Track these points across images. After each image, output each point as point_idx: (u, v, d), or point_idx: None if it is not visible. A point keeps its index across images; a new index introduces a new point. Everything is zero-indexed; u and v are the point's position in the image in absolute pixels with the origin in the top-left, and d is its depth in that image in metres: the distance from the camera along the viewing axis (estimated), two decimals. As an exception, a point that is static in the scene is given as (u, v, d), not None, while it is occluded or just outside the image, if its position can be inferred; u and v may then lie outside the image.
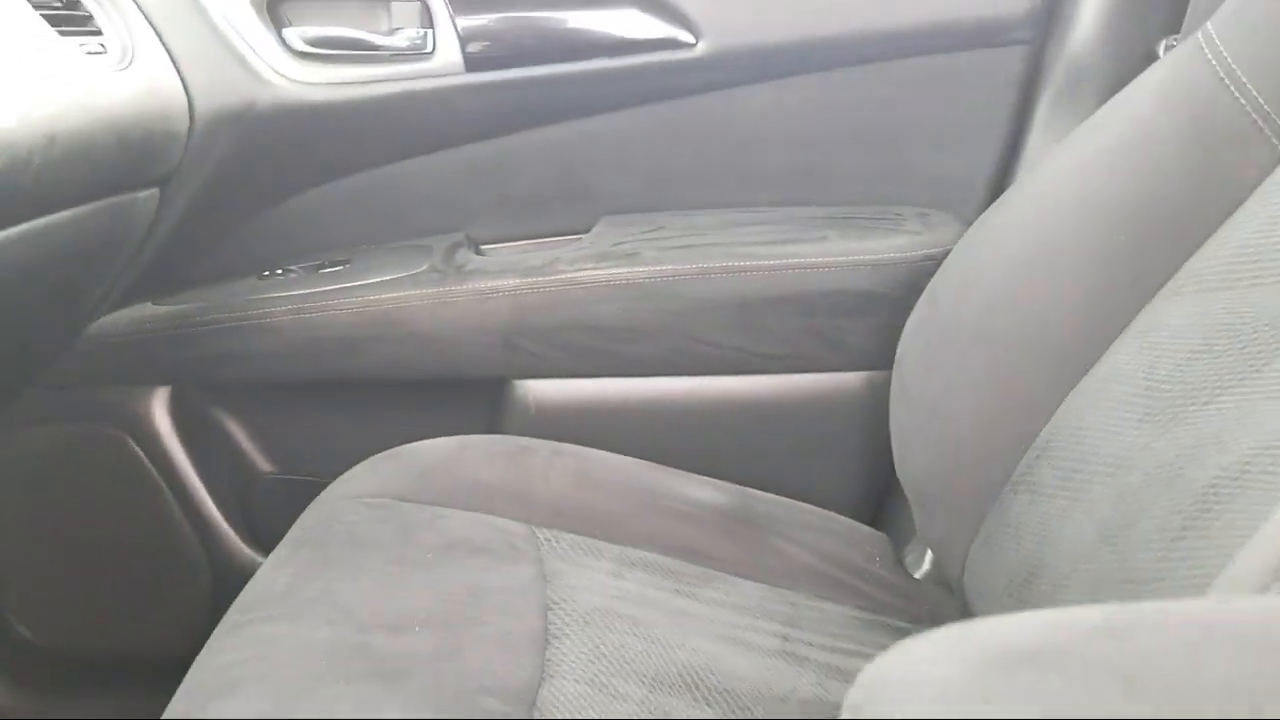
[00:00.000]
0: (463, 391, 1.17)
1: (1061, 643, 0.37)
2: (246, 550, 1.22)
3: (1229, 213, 0.82)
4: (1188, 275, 0.82)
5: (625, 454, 1.05)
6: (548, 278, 1.12)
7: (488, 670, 0.73)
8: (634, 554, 0.93)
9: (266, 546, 0.92)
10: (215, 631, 0.78)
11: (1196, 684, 0.34)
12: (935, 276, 1.02)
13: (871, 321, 1.10)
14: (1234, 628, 0.38)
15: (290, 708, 0.67)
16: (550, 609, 0.83)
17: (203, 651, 0.76)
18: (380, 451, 1.01)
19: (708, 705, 0.76)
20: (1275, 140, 0.82)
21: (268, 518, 1.22)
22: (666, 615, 0.86)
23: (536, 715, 0.70)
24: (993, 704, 0.34)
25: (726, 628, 0.86)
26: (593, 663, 0.77)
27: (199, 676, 0.72)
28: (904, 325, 1.03)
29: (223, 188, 1.11)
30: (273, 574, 0.84)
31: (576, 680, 0.75)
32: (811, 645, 0.88)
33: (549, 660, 0.76)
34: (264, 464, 1.24)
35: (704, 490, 1.04)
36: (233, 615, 0.80)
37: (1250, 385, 0.72)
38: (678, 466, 1.05)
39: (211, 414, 1.21)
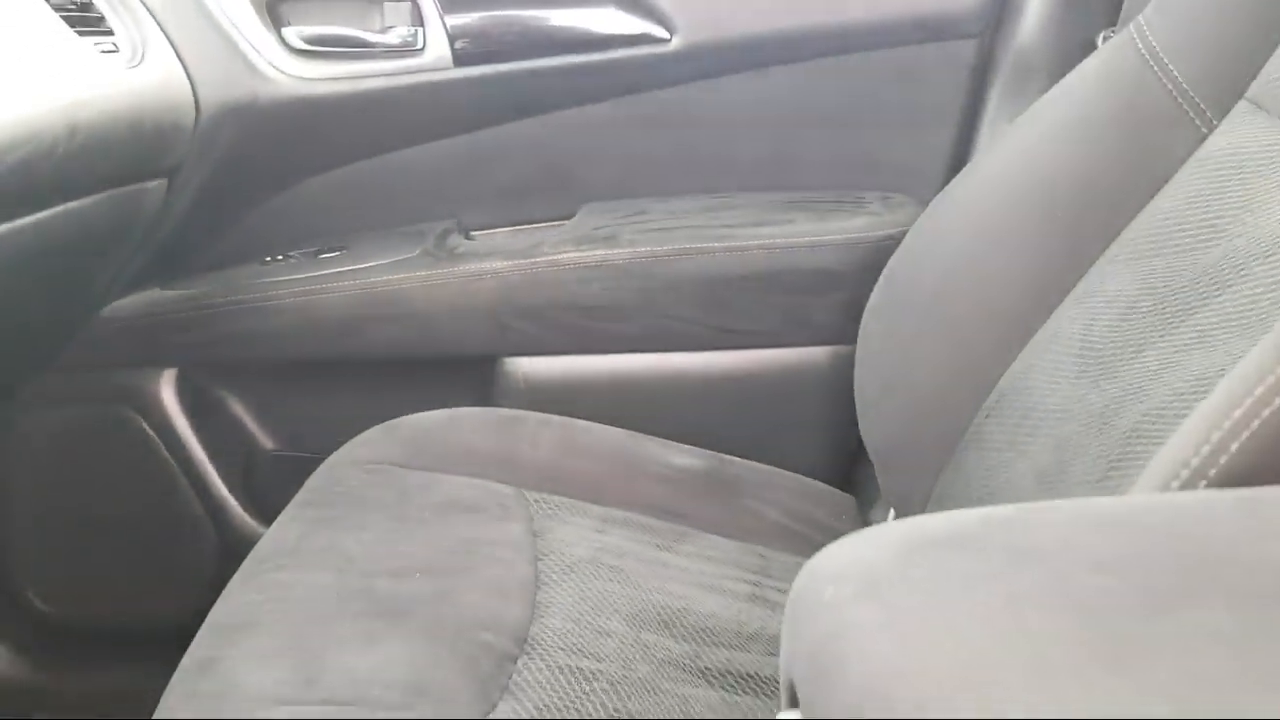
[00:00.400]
0: (455, 369, 1.23)
1: (967, 530, 0.44)
2: (251, 522, 1.27)
3: (1159, 187, 0.88)
4: (1122, 244, 0.89)
5: (608, 425, 1.12)
6: (533, 260, 1.18)
7: (483, 610, 0.79)
8: (616, 514, 0.99)
9: (270, 519, 0.97)
10: (232, 581, 0.84)
11: (1072, 556, 0.40)
12: (895, 254, 1.09)
13: (836, 298, 1.16)
14: (1112, 515, 0.45)
15: (304, 641, 0.73)
16: (539, 559, 0.89)
17: (220, 598, 0.82)
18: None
19: (683, 640, 0.82)
20: (1197, 121, 0.89)
21: (271, 492, 1.27)
22: (646, 565, 0.92)
23: (529, 648, 0.77)
24: (908, 576, 0.41)
25: (701, 576, 0.92)
26: (579, 604, 0.83)
27: (220, 618, 0.78)
28: (866, 301, 1.10)
29: (226, 178, 1.17)
30: (283, 530, 0.90)
31: (564, 619, 0.81)
32: (781, 592, 0.94)
33: (539, 602, 0.83)
34: (267, 441, 1.29)
35: (681, 456, 1.11)
36: (248, 566, 0.86)
37: (1169, 340, 0.78)
38: (656, 436, 1.12)
39: (217, 394, 1.27)
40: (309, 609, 0.77)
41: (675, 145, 1.26)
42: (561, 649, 0.77)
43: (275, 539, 0.89)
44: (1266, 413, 0.51)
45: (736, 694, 0.77)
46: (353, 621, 0.75)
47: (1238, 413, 0.52)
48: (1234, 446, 0.52)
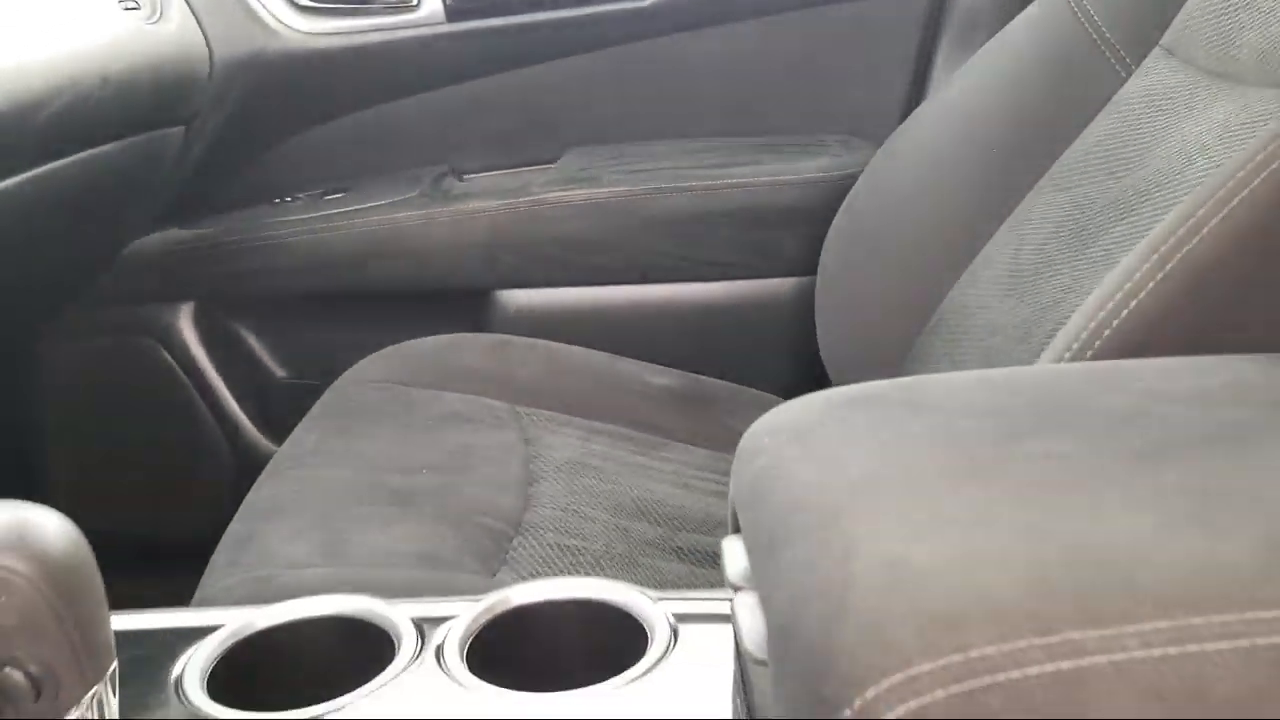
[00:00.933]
0: (450, 301, 1.32)
1: (875, 392, 0.53)
2: (264, 442, 1.36)
3: (1083, 125, 0.97)
4: (1049, 177, 0.98)
5: (596, 348, 1.21)
6: (521, 199, 1.27)
7: (483, 499, 0.89)
8: (599, 425, 1.09)
9: (281, 440, 1.05)
10: (260, 477, 0.94)
11: (951, 407, 0.50)
12: (852, 191, 1.18)
13: (799, 232, 1.25)
14: (990, 381, 0.54)
15: (328, 522, 0.83)
16: (531, 461, 0.98)
17: (251, 490, 0.91)
18: (381, 355, 1.17)
19: (657, 525, 0.92)
20: (1117, 66, 0.97)
21: (283, 416, 1.36)
22: (626, 467, 1.02)
23: (523, 529, 0.87)
24: (825, 425, 0.51)
25: (675, 477, 1.02)
26: (566, 496, 0.93)
27: (253, 504, 0.87)
28: (826, 236, 1.19)
29: (238, 125, 1.25)
30: (303, 436, 1.00)
31: (553, 508, 0.91)
32: (745, 491, 1.04)
33: (531, 495, 0.92)
34: (278, 370, 1.38)
35: (658, 376, 1.20)
36: (273, 466, 0.95)
37: (1083, 259, 0.88)
38: (646, 357, 1.21)
39: (232, 326, 1.36)
40: (330, 497, 0.86)
41: (651, 94, 1.35)
42: (551, 530, 0.87)
43: (296, 443, 0.98)
44: (1133, 303, 0.61)
45: (703, 568, 0.87)
46: (369, 507, 0.85)
47: (1109, 305, 0.62)
48: (1105, 333, 0.62)
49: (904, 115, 1.31)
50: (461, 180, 1.36)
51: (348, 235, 1.28)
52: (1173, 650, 0.35)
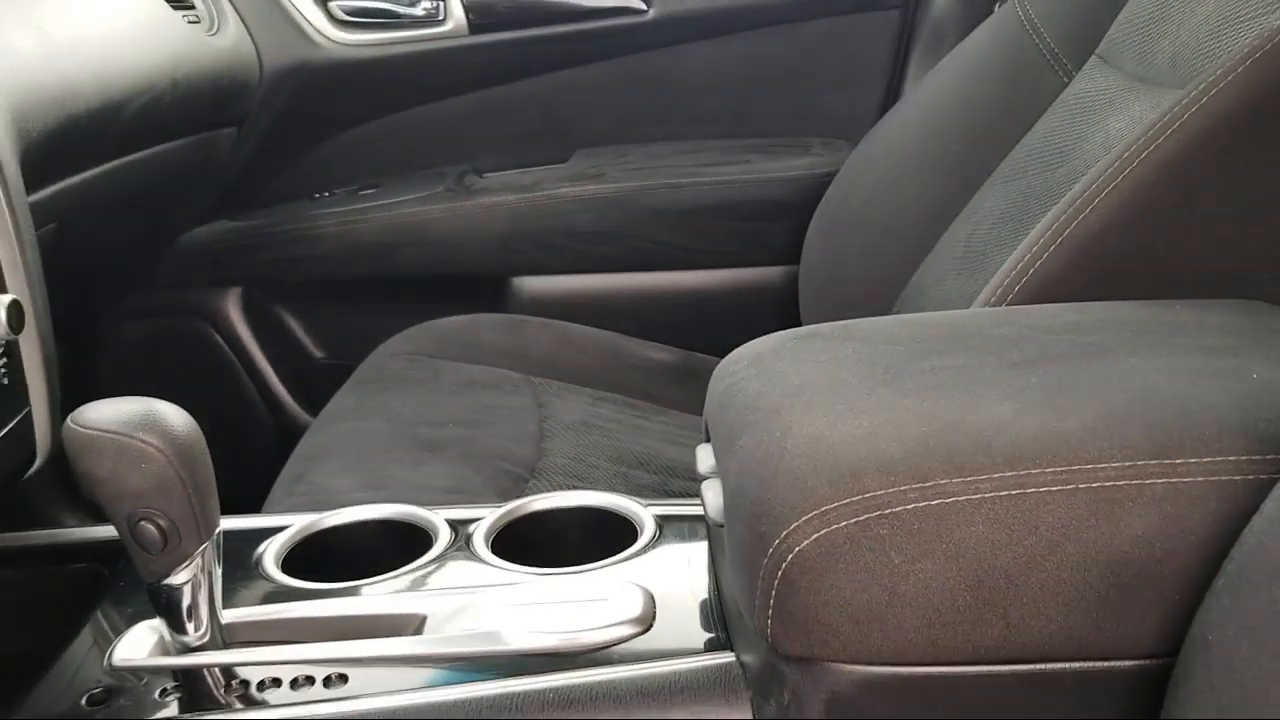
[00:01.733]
0: (471, 286, 1.44)
1: (822, 330, 0.65)
2: (302, 415, 1.48)
3: (1030, 125, 1.08)
4: (999, 171, 1.09)
5: (603, 328, 1.33)
6: (535, 194, 1.38)
7: (501, 449, 1.01)
8: (604, 393, 1.21)
9: (317, 412, 1.16)
10: (306, 433, 1.06)
11: (878, 338, 0.62)
12: (830, 187, 1.29)
13: (784, 224, 1.36)
14: (915, 320, 0.66)
15: (368, 463, 0.94)
16: (543, 421, 1.10)
17: (299, 444, 1.03)
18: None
19: (654, 474, 1.03)
20: (1060, 72, 1.08)
21: (319, 392, 1.47)
22: (627, 427, 1.13)
23: (536, 473, 0.98)
24: (779, 352, 0.62)
25: (670, 435, 1.14)
26: (574, 449, 1.04)
27: (301, 453, 0.99)
28: (808, 227, 1.30)
29: (283, 127, 1.37)
30: (343, 398, 1.12)
31: (563, 458, 1.02)
32: (733, 448, 1.16)
33: (544, 448, 1.04)
34: (315, 350, 1.50)
35: (657, 352, 1.32)
36: (316, 423, 1.07)
37: (1022, 240, 0.99)
38: (646, 335, 1.33)
39: (274, 309, 1.48)
40: (369, 444, 0.98)
41: (652, 100, 1.46)
42: (561, 475, 0.98)
43: (338, 404, 1.10)
44: (1037, 264, 0.73)
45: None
46: (403, 452, 0.97)
47: (1019, 266, 0.74)
48: (1016, 289, 0.73)
49: (878, 119, 1.43)
50: (481, 177, 1.48)
51: (379, 227, 1.40)
52: (1015, 492, 0.47)
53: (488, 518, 0.69)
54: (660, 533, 0.68)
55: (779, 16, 1.40)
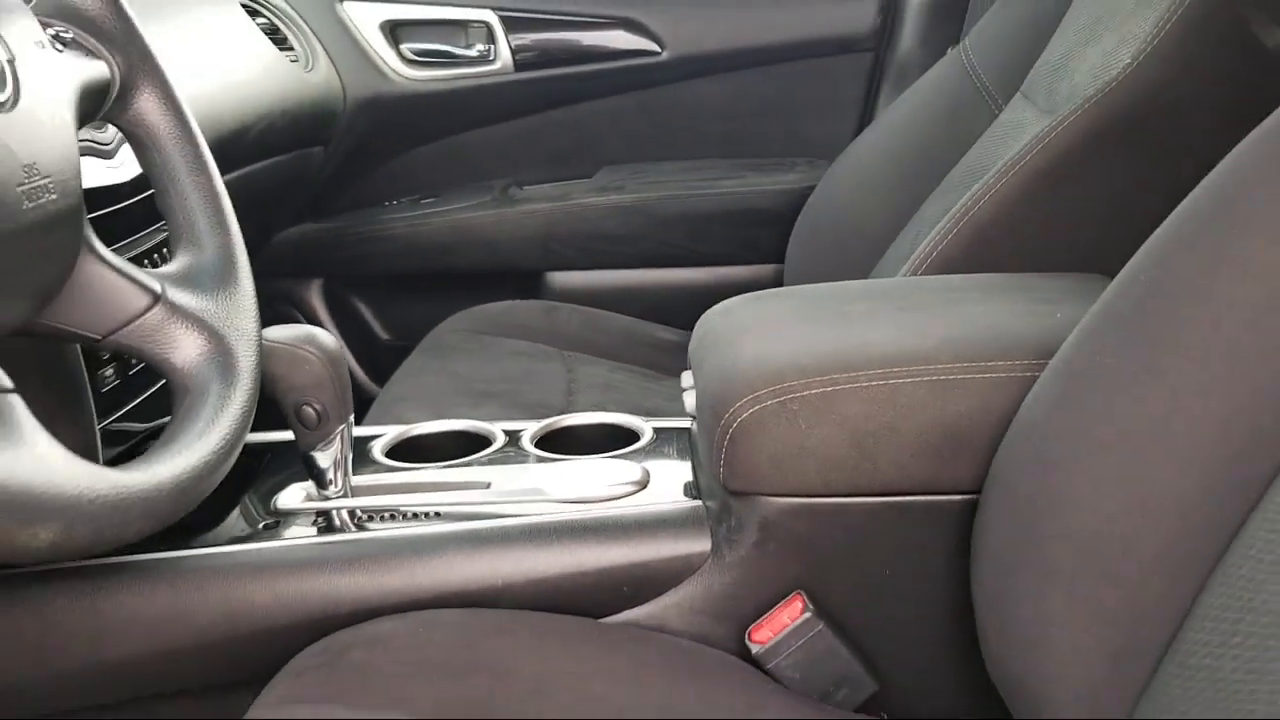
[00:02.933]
0: (513, 279, 1.66)
1: (780, 291, 0.87)
2: (373, 386, 1.70)
3: (967, 148, 1.29)
4: (941, 186, 1.30)
5: (621, 313, 1.55)
6: (567, 203, 1.61)
7: (539, 399, 1.23)
8: (621, 365, 1.42)
9: (383, 384, 1.38)
10: (382, 390, 1.28)
11: (823, 294, 0.83)
12: (810, 198, 1.51)
13: (773, 230, 1.57)
14: (854, 284, 0.88)
15: (435, 406, 1.16)
16: (572, 382, 1.32)
17: (379, 395, 1.26)
18: (461, 322, 1.51)
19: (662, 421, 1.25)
20: (992, 106, 1.29)
21: (385, 368, 1.69)
22: (639, 389, 1.35)
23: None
24: (748, 305, 0.84)
25: (674, 396, 1.34)
26: (596, 402, 1.26)
27: (380, 402, 1.22)
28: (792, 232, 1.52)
29: (360, 146, 1.61)
30: (410, 364, 1.34)
31: (587, 407, 1.24)
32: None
33: (571, 401, 1.26)
34: (382, 333, 1.73)
35: (666, 333, 1.54)
36: (390, 382, 1.30)
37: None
38: (656, 319, 1.54)
39: (349, 298, 1.71)
40: (435, 394, 1.21)
41: (664, 126, 1.69)
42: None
43: (407, 368, 1.33)
44: (940, 247, 0.95)
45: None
46: (462, 399, 1.19)
47: (928, 248, 0.96)
48: (925, 264, 0.95)
49: (852, 142, 1.65)
50: (522, 189, 1.70)
51: (437, 229, 1.63)
52: (882, 382, 0.69)
53: (531, 427, 0.91)
54: (656, 437, 0.90)
55: (771, 58, 1.63)
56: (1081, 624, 0.58)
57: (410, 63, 1.62)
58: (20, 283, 0.45)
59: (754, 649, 0.69)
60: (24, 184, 0.44)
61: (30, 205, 0.44)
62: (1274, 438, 0.53)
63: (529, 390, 1.25)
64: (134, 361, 0.78)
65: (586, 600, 0.72)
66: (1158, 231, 0.60)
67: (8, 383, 0.38)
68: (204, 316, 0.55)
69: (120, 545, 0.42)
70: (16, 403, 0.38)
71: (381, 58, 1.59)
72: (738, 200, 1.59)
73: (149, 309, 0.52)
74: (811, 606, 0.69)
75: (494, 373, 1.30)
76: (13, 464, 0.35)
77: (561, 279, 1.64)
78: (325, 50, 1.51)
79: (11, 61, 0.46)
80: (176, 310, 0.54)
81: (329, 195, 1.66)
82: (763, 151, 1.68)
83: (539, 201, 1.63)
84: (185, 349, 0.53)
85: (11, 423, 0.37)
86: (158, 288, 0.54)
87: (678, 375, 1.44)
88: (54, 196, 0.46)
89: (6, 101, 0.44)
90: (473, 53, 1.63)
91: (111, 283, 0.52)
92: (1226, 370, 0.54)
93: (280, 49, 1.40)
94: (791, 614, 0.69)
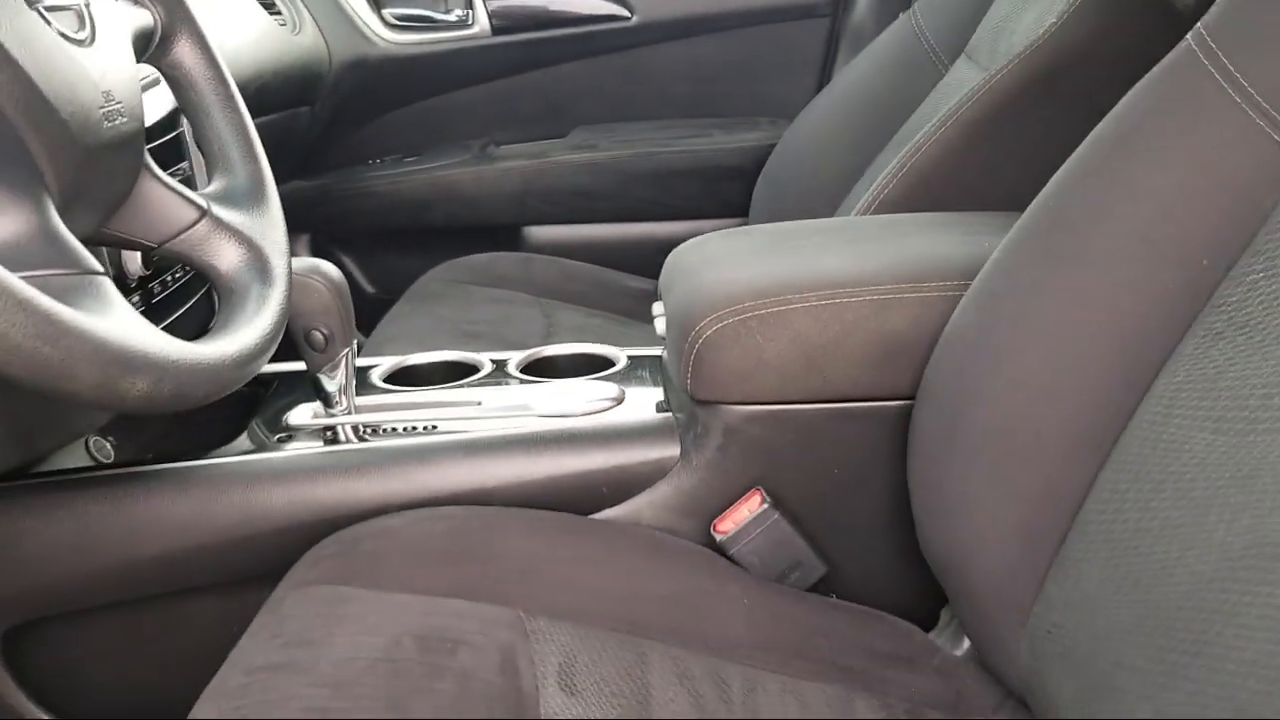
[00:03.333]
0: (491, 233, 1.73)
1: (734, 230, 0.95)
2: (362, 339, 1.77)
3: (915, 106, 1.37)
4: (893, 141, 1.37)
5: (595, 264, 1.62)
6: (542, 161, 1.68)
7: (519, 340, 1.30)
8: (595, 311, 1.49)
9: (369, 334, 1.45)
10: (372, 333, 1.35)
11: (784, 231, 0.91)
12: (772, 155, 1.58)
13: (737, 185, 1.65)
14: (810, 222, 0.96)
15: (421, 344, 1.23)
16: (549, 326, 1.39)
17: (370, 336, 1.33)
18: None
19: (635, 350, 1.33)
20: (940, 66, 1.36)
21: (371, 321, 1.76)
22: (612, 333, 1.42)
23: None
24: (715, 240, 0.92)
25: (644, 340, 1.43)
26: (573, 340, 1.34)
27: (370, 347, 1.29)
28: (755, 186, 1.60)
29: (345, 107, 1.66)
30: (398, 310, 1.41)
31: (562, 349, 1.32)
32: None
33: (550, 339, 1.33)
34: (368, 286, 1.79)
35: (636, 283, 1.61)
36: (380, 325, 1.37)
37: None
38: (629, 270, 1.62)
39: (335, 252, 1.76)
40: (422, 335, 1.28)
41: (634, 87, 1.76)
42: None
43: (395, 312, 1.40)
44: (885, 191, 1.03)
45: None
46: (449, 338, 1.26)
47: (875, 191, 1.03)
48: (872, 207, 1.03)
49: (810, 101, 1.73)
50: (499, 148, 1.76)
51: (419, 186, 1.69)
52: (829, 302, 0.77)
53: (516, 356, 0.99)
54: (630, 363, 0.98)
55: (734, 23, 1.70)
56: (999, 502, 0.67)
57: (392, 26, 1.68)
58: (96, 194, 0.52)
59: (718, 538, 0.78)
60: (103, 107, 0.50)
61: (108, 126, 0.51)
62: (1161, 336, 0.62)
63: (510, 331, 1.32)
64: (168, 280, 0.85)
65: (570, 500, 0.80)
66: (1065, 164, 0.68)
67: (99, 267, 0.45)
68: (243, 229, 0.62)
69: (191, 405, 0.49)
70: (108, 283, 0.44)
71: (364, 21, 1.64)
72: (704, 157, 1.66)
73: (196, 222, 0.59)
74: (769, 500, 0.78)
75: (477, 316, 1.37)
76: (114, 327, 0.41)
77: (538, 232, 1.71)
78: (311, 14, 1.56)
79: (88, 6, 0.53)
80: (220, 224, 0.61)
81: (316, 154, 1.71)
82: (727, 111, 1.75)
83: (516, 159, 1.69)
84: (228, 256, 0.60)
85: (108, 298, 0.44)
86: (204, 204, 0.61)
87: (648, 320, 1.52)
88: (124, 119, 0.53)
89: (86, 39, 0.51)
90: (451, 17, 1.69)
91: (165, 198, 0.58)
92: (1121, 279, 0.63)
93: (269, 13, 1.45)
94: (751, 507, 0.77)
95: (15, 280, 0.37)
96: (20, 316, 0.36)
